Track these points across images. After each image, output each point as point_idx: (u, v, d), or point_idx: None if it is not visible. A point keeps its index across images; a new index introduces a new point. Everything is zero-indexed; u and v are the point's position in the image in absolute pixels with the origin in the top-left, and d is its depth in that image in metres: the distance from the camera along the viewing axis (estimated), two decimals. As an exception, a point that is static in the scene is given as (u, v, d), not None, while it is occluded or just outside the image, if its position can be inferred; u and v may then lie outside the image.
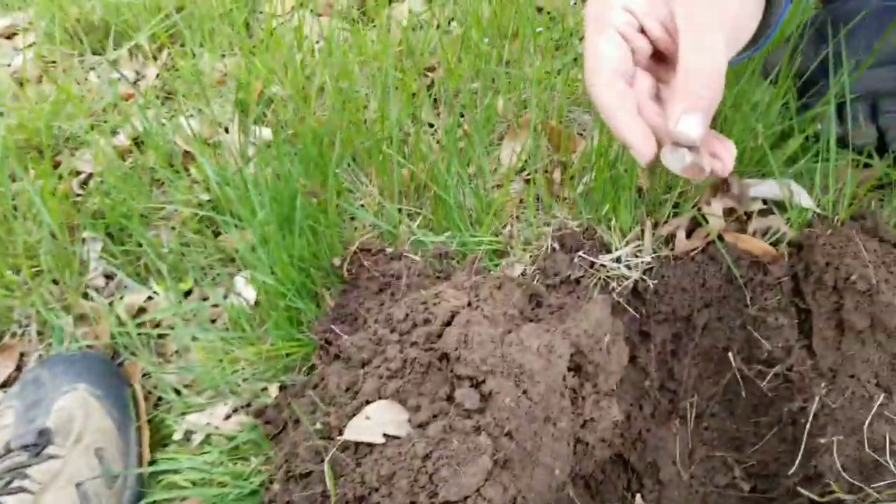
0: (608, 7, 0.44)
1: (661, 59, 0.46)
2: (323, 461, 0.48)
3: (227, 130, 0.94)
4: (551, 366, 0.53)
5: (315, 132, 0.77)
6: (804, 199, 0.70)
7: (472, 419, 0.48)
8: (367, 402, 0.50)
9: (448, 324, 0.54)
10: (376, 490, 0.45)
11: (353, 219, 0.78)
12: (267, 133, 0.89)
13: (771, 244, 0.69)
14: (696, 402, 0.70)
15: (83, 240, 0.78)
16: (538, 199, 0.77)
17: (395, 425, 0.48)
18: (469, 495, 0.44)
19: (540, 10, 1.07)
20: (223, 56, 1.08)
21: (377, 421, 0.48)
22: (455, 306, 0.56)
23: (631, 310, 0.66)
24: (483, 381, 0.50)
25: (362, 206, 0.78)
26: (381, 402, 0.50)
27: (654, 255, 0.69)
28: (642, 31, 0.45)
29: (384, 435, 0.48)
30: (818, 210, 0.70)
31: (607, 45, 0.43)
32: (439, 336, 0.54)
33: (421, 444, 0.46)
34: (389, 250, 0.70)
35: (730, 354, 0.67)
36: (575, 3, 1.08)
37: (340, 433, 0.50)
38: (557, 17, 1.04)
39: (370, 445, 0.48)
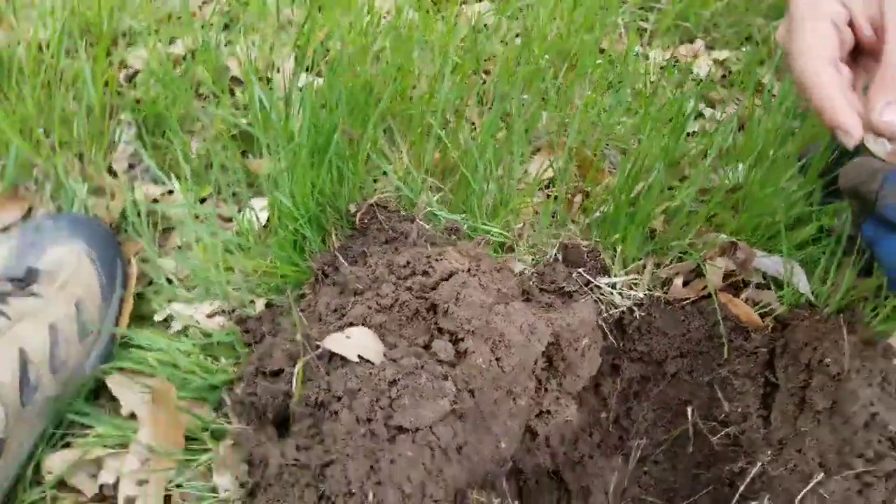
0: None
1: (860, 54, 0.52)
2: (295, 364, 0.53)
3: (278, 70, 1.01)
4: (529, 345, 0.59)
5: (366, 82, 0.84)
6: (802, 283, 0.77)
7: (444, 367, 0.54)
8: (352, 325, 0.56)
9: (445, 280, 0.61)
10: (338, 399, 0.51)
11: (375, 181, 0.85)
12: (318, 81, 0.96)
13: (758, 315, 0.75)
14: (644, 445, 0.75)
15: (118, 123, 0.84)
16: (554, 214, 0.84)
17: (372, 352, 0.54)
18: (421, 427, 0.50)
19: (602, 51, 1.16)
20: (292, 1, 1.16)
21: (356, 342, 0.54)
22: (455, 267, 0.63)
23: (611, 338, 0.72)
24: (462, 339, 0.56)
25: (390, 167, 0.85)
26: (364, 328, 0.56)
27: (647, 293, 0.76)
28: (850, 24, 0.51)
29: (359, 357, 0.53)
30: (811, 297, 0.77)
31: (823, 31, 0.49)
32: (433, 288, 0.60)
33: (391, 369, 0.52)
34: (404, 213, 0.76)
35: (689, 408, 0.73)
36: (636, 55, 1.17)
37: (318, 348, 0.56)
38: (616, 61, 1.13)
39: (344, 360, 0.53)
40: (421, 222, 0.76)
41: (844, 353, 0.67)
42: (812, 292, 0.78)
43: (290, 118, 0.79)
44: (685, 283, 0.77)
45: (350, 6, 1.10)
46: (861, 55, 0.54)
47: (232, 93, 0.95)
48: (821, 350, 0.68)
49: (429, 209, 0.78)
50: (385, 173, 0.84)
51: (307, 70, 1.01)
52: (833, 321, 0.72)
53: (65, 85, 0.87)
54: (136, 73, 0.96)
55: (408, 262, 0.65)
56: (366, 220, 0.76)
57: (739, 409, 0.67)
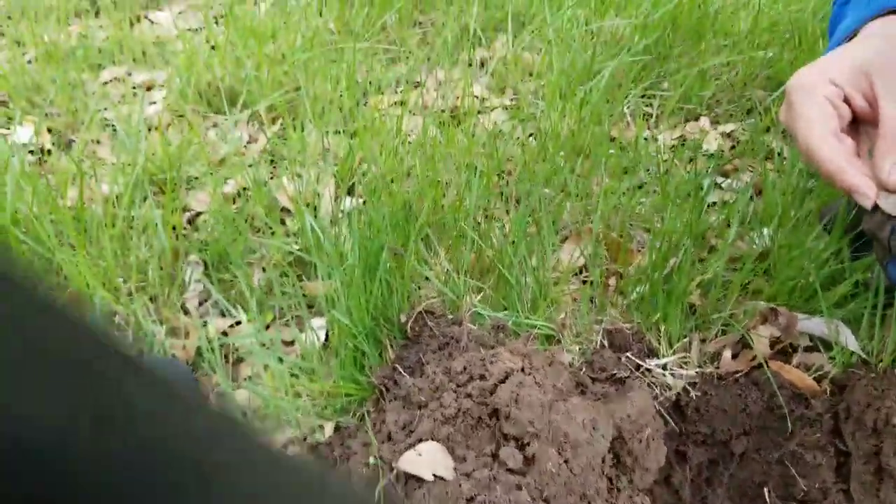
0: (818, 80, 0.52)
1: (858, 124, 0.54)
2: (375, 489, 0.51)
3: (320, 196, 1.04)
4: (594, 441, 0.56)
5: (404, 199, 0.86)
6: (850, 341, 0.74)
7: (515, 477, 0.52)
8: (421, 441, 0.55)
9: (502, 382, 0.59)
10: (419, 522, 0.48)
11: (419, 288, 0.85)
12: (358, 202, 0.99)
13: (815, 380, 0.71)
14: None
15: (186, 264, 0.87)
16: (592, 300, 0.83)
17: (444, 468, 0.52)
18: (504, 543, 0.47)
19: (613, 139, 1.18)
20: (327, 133, 1.22)
21: (428, 459, 0.52)
22: (509, 367, 0.61)
23: (672, 422, 0.69)
24: (528, 444, 0.54)
25: (432, 274, 0.85)
26: (433, 442, 0.54)
27: (698, 370, 0.73)
28: (845, 100, 0.52)
29: (433, 475, 0.51)
30: (862, 354, 0.73)
31: (821, 107, 0.51)
32: (492, 392, 0.59)
33: (466, 485, 0.49)
34: (451, 316, 0.76)
35: (765, 490, 0.68)
36: (646, 139, 1.18)
37: (391, 470, 0.54)
38: (628, 147, 1.14)
39: (419, 481, 0.51)
40: (468, 324, 0.75)
41: (911, 411, 0.62)
42: (862, 349, 0.74)
43: (340, 240, 0.81)
44: (734, 356, 0.74)
45: (380, 131, 1.14)
46: (860, 124, 0.54)
47: (283, 222, 0.98)
48: (884, 410, 0.63)
49: (473, 309, 0.78)
50: (427, 279, 0.84)
51: (348, 194, 1.05)
52: (891, 375, 0.68)
53: (137, 234, 0.91)
54: (198, 214, 1.00)
55: (464, 368, 0.64)
56: (416, 328, 0.76)
57: (817, 486, 0.62)
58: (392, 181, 1.00)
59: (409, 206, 0.85)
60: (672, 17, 1.36)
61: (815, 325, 0.75)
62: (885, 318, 0.75)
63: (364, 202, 0.94)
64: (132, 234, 0.91)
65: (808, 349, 0.75)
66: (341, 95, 1.29)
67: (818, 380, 0.71)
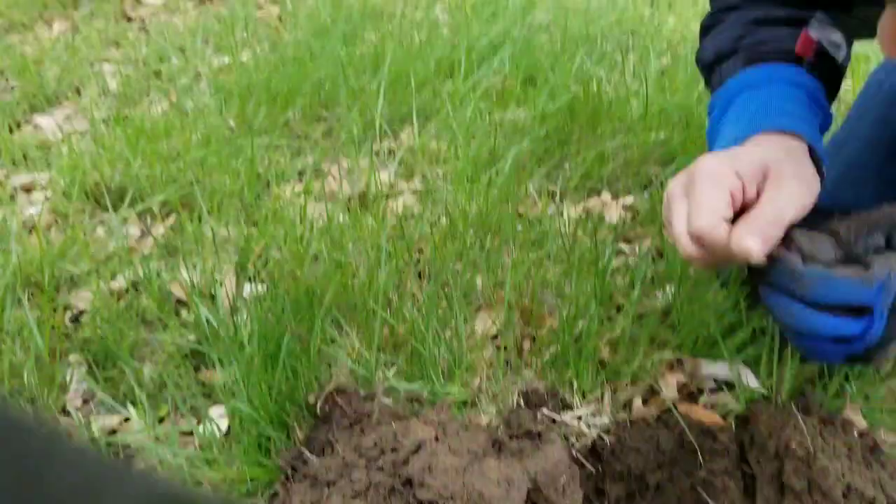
0: (725, 170, 0.62)
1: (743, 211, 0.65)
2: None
3: (221, 284, 1.09)
4: (509, 497, 0.61)
5: (308, 286, 0.92)
6: (751, 380, 0.84)
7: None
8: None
9: (414, 452, 0.64)
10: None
11: (330, 366, 0.90)
12: (261, 289, 1.04)
13: (720, 416, 0.80)
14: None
15: (68, 364, 0.88)
16: (507, 363, 0.90)
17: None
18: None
19: (521, 215, 1.31)
20: (227, 224, 1.28)
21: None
22: (422, 438, 0.66)
23: (588, 465, 0.75)
24: None
25: (343, 354, 0.90)
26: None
27: (611, 418, 0.80)
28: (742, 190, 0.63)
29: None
30: (763, 390, 0.83)
31: (720, 198, 0.61)
32: (405, 463, 0.63)
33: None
34: (363, 392, 0.80)
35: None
36: (552, 214, 1.32)
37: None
38: (535, 222, 1.27)
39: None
40: (382, 398, 0.80)
41: (805, 436, 0.72)
42: (763, 385, 0.84)
43: (238, 330, 0.85)
44: (645, 402, 0.82)
45: (283, 219, 1.21)
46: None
47: (178, 313, 1.01)
48: (784, 437, 0.72)
49: (386, 384, 0.83)
50: (334, 363, 0.89)
51: (250, 280, 1.10)
52: (789, 408, 0.77)
53: (11, 337, 0.91)
54: (81, 312, 1.02)
55: (375, 443, 0.68)
56: (327, 408, 0.80)
57: (727, 504, 0.70)
58: (296, 268, 1.06)
59: (311, 292, 0.91)
60: (570, 107, 1.56)
61: (718, 369, 0.86)
62: (781, 357, 0.86)
63: (266, 289, 0.99)
64: (6, 337, 0.91)
65: (713, 390, 0.84)
66: (242, 188, 1.37)
67: (724, 416, 0.80)
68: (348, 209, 1.33)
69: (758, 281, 0.62)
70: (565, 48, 1.89)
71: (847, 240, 0.59)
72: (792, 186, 0.61)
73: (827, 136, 0.97)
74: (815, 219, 0.63)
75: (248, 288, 1.07)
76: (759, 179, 0.63)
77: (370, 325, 0.91)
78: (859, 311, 0.57)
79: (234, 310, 0.98)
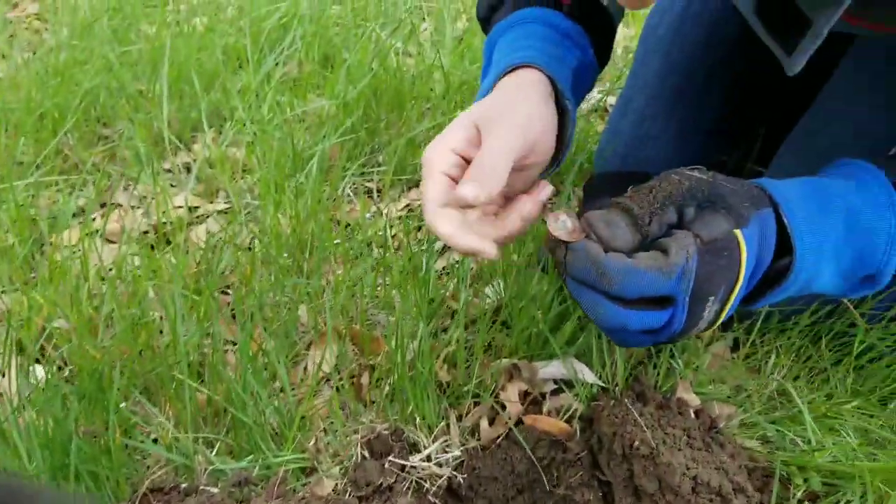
0: (437, 153, 0.61)
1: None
2: None
3: (2, 374, 0.90)
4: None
5: (93, 365, 0.77)
6: (587, 374, 0.83)
7: None
8: None
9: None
10: None
11: (144, 457, 0.77)
12: (42, 373, 0.87)
13: (566, 421, 0.79)
14: None
15: None
16: (345, 406, 0.82)
17: None
18: None
19: (338, 222, 1.21)
20: (2, 292, 1.06)
21: None
22: (251, 539, 0.57)
23: (447, 506, 0.71)
24: None
25: (155, 440, 0.77)
26: None
27: (462, 448, 0.76)
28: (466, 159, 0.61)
29: None
30: (600, 383, 0.83)
31: (436, 187, 0.59)
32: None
33: None
34: (184, 486, 0.69)
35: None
36: (371, 217, 1.24)
37: None
38: (355, 227, 1.19)
39: None
40: (206, 488, 0.69)
41: (646, 430, 0.72)
42: (599, 377, 0.84)
43: (17, 442, 0.69)
44: (491, 422, 0.79)
45: (63, 277, 1.03)
46: None
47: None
48: (627, 435, 0.72)
49: (210, 468, 0.72)
50: (153, 442, 0.76)
51: (38, 362, 0.92)
52: (624, 399, 0.77)
53: None
54: None
55: (199, 548, 0.58)
56: (143, 514, 0.68)
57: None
58: (85, 336, 0.90)
59: (100, 373, 0.76)
60: (373, 90, 1.46)
61: (554, 369, 0.84)
62: (610, 345, 0.86)
63: (48, 377, 0.82)
64: None
65: (554, 392, 0.83)
66: (13, 245, 1.14)
67: (570, 420, 0.79)
68: (151, 246, 1.16)
69: (564, 275, 0.59)
70: (357, 20, 1.78)
71: (641, 219, 0.57)
72: (501, 131, 0.60)
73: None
74: (616, 183, 0.62)
75: (39, 371, 0.90)
76: (476, 140, 0.62)
77: (181, 396, 0.79)
78: (663, 301, 0.55)
79: (19, 408, 0.81)
